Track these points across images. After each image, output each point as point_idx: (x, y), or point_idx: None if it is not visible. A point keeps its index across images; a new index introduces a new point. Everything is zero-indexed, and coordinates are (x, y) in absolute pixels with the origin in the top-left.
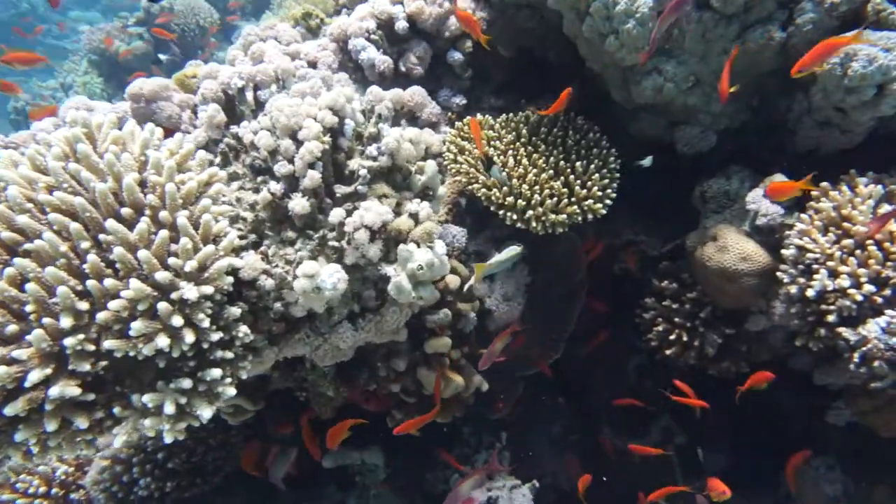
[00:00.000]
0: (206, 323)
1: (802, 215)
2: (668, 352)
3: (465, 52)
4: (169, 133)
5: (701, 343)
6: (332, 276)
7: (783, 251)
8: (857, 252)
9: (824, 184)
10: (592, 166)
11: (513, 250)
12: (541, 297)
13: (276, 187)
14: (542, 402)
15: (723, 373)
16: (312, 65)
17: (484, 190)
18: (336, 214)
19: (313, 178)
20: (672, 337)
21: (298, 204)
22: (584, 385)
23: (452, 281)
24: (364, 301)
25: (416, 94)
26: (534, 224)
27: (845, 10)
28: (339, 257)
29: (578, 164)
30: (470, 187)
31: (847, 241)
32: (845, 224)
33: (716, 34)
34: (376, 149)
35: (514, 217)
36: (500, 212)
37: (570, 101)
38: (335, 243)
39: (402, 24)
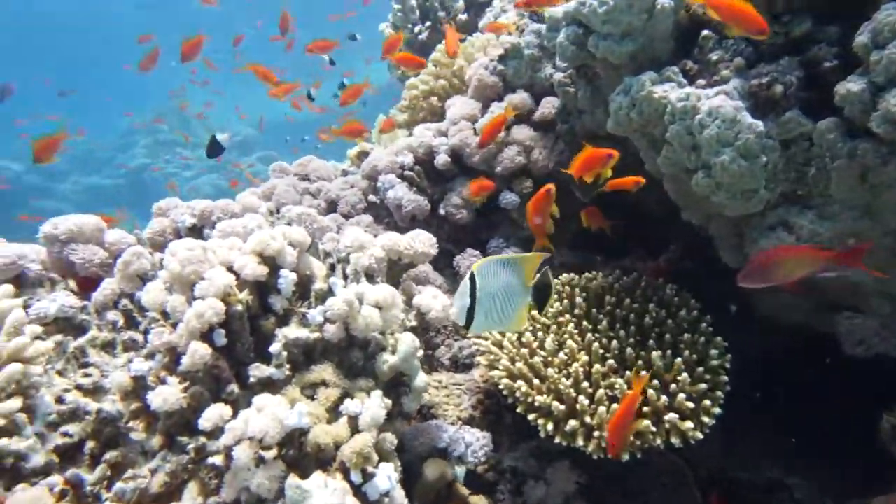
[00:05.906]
0: None
1: None
2: None
3: (522, 194)
4: (86, 283)
5: None
6: None
7: None
8: None
9: None
10: (679, 359)
11: None
12: None
13: (142, 367)
14: None
15: None
16: (332, 205)
17: (506, 380)
18: (209, 417)
19: (195, 354)
20: None
21: (160, 396)
22: None
23: None
24: None
25: (417, 239)
26: (580, 441)
27: None
28: (220, 485)
29: (656, 354)
30: (490, 374)
31: None
32: None
33: (887, 176)
34: (321, 313)
35: (550, 427)
36: (530, 416)
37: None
38: (218, 461)
39: (443, 159)
